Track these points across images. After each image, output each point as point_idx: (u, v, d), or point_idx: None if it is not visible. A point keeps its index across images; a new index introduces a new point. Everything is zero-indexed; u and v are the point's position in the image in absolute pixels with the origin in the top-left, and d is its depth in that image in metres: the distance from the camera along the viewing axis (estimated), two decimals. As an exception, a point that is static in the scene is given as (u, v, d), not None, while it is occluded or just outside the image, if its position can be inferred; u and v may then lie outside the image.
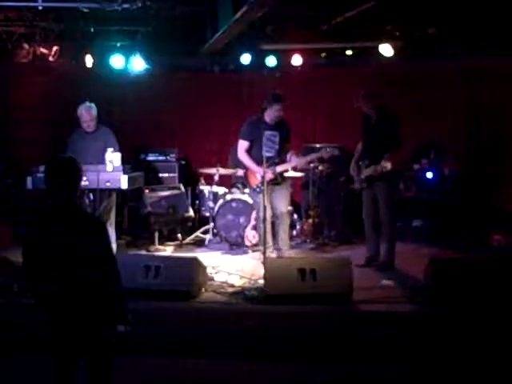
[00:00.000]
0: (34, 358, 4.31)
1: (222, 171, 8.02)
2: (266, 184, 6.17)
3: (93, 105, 6.93)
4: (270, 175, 6.52)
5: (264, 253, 6.07)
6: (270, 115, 6.61)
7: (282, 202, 6.72)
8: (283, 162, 6.69)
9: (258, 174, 6.63)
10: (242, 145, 6.75)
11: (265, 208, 6.13)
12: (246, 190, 7.64)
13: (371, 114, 6.58)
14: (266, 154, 6.44)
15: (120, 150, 6.78)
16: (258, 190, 6.68)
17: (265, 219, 6.19)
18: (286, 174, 6.82)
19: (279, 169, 6.63)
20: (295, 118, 7.17)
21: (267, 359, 4.68)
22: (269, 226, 6.55)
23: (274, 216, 6.71)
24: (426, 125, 8.87)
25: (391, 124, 6.51)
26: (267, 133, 6.49)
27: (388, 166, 6.35)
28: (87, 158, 6.51)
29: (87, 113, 6.86)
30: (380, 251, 6.65)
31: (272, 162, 6.53)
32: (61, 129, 8.23)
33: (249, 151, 6.73)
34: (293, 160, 6.75)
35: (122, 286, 3.27)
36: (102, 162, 6.52)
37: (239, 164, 7.32)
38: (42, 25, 7.37)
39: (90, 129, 6.90)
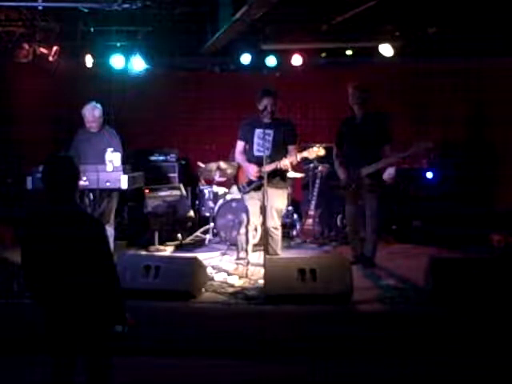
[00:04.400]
0: (34, 358, 4.31)
1: (223, 165, 8.00)
2: (266, 184, 5.97)
3: (98, 105, 6.86)
4: (255, 175, 6.29)
5: (264, 252, 6.04)
6: (260, 111, 6.29)
7: (269, 214, 6.17)
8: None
9: (248, 173, 6.38)
10: (238, 146, 6.53)
11: (264, 209, 6.06)
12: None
13: (356, 111, 6.55)
14: (257, 153, 6.32)
15: (123, 152, 6.74)
16: (242, 189, 6.48)
17: (264, 221, 6.12)
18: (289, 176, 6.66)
19: (271, 167, 6.10)
20: (295, 118, 7.16)
21: (267, 359, 4.68)
22: (250, 234, 6.43)
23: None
24: (425, 125, 8.87)
25: (378, 122, 6.52)
26: (258, 131, 6.31)
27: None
28: (89, 158, 6.51)
29: (90, 113, 6.81)
30: (363, 248, 6.71)
31: (261, 163, 6.06)
32: (61, 129, 8.22)
33: (245, 152, 6.50)
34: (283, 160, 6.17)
35: (120, 286, 3.27)
36: (104, 162, 6.50)
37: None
38: (41, 25, 7.37)
39: (94, 129, 6.85)
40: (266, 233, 6.21)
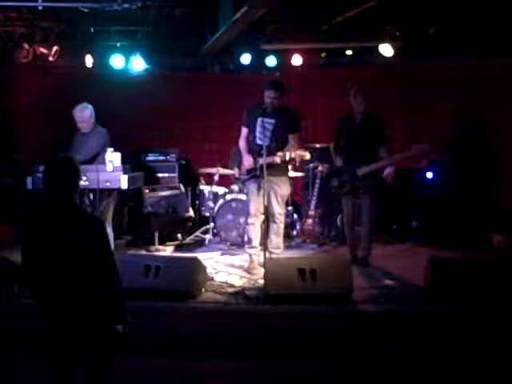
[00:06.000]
0: (33, 359, 4.31)
1: (222, 171, 8.03)
2: (265, 176, 5.91)
3: (87, 105, 6.72)
4: (247, 168, 6.35)
5: (265, 251, 6.03)
6: (264, 101, 6.28)
7: (274, 201, 6.32)
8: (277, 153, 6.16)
9: (245, 163, 6.42)
10: (242, 132, 6.53)
11: (265, 206, 6.06)
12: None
13: (356, 114, 6.55)
14: (258, 141, 6.30)
15: (98, 152, 6.65)
16: (242, 177, 6.56)
17: (266, 215, 6.13)
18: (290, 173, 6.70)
19: (266, 160, 5.98)
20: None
21: (267, 359, 4.69)
22: (257, 224, 6.44)
23: (269, 214, 6.33)
24: (425, 125, 8.88)
25: (376, 123, 6.56)
26: (260, 119, 6.27)
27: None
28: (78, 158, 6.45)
29: (77, 114, 6.69)
30: (358, 248, 6.74)
31: (261, 152, 6.01)
32: (61, 129, 8.23)
33: (248, 139, 6.49)
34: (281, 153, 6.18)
35: (120, 285, 3.27)
36: (90, 162, 6.47)
37: (239, 164, 7.31)
38: (42, 25, 7.38)
39: (84, 130, 6.73)
40: (266, 226, 6.21)
